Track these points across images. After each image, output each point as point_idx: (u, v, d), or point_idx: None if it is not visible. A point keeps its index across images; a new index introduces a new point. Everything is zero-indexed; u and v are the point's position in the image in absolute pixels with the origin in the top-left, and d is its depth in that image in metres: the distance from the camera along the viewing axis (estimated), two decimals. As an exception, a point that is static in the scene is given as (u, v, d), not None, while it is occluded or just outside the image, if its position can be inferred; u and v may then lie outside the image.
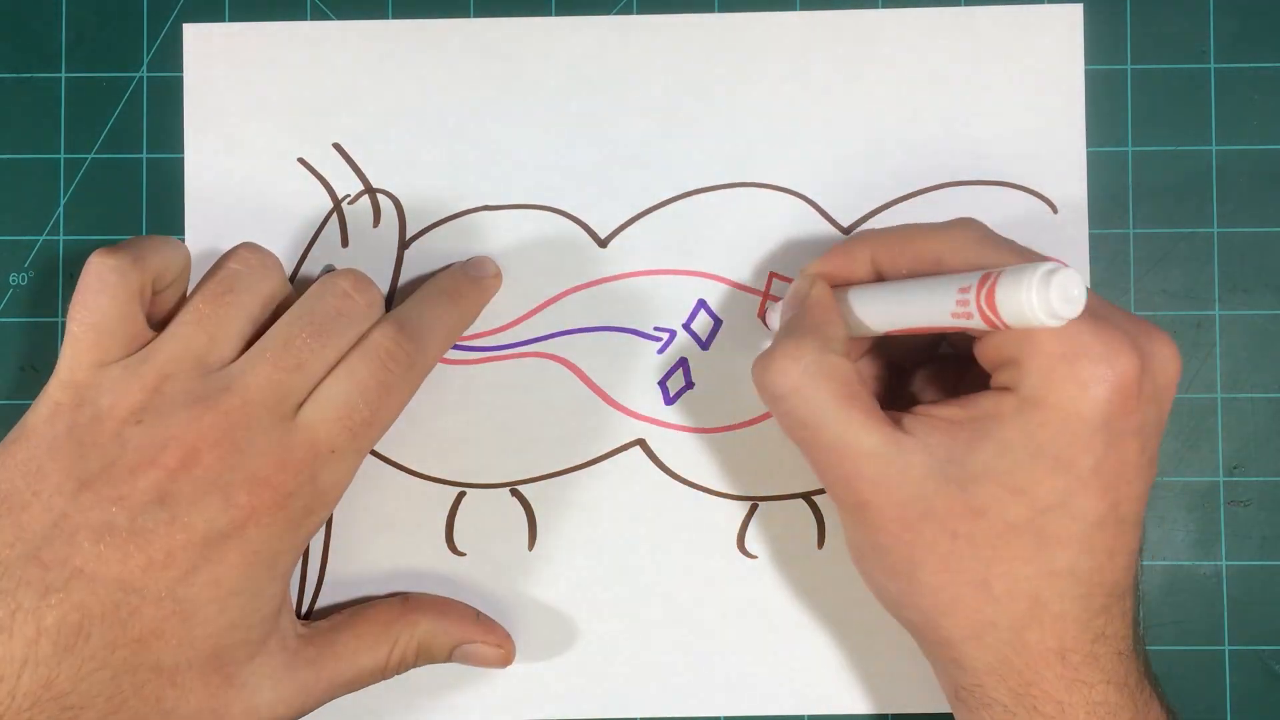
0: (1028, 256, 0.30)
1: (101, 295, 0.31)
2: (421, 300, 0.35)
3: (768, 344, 0.33)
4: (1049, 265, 0.26)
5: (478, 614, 0.37)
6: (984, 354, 0.30)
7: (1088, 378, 0.27)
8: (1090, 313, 0.27)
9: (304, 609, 0.38)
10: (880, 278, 0.33)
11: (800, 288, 0.33)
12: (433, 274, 0.38)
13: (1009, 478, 0.28)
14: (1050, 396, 0.27)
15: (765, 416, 0.38)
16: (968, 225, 0.31)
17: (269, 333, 0.32)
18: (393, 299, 0.38)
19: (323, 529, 0.38)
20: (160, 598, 0.29)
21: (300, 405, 0.31)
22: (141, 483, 0.29)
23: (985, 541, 0.28)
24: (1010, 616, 0.29)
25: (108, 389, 0.30)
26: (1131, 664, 0.30)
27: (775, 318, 0.35)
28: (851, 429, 0.29)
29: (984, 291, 0.27)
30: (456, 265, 0.38)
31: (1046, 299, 0.25)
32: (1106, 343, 0.27)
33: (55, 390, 0.31)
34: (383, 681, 0.35)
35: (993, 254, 0.29)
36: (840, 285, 0.33)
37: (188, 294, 0.34)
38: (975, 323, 0.27)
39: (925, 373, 0.35)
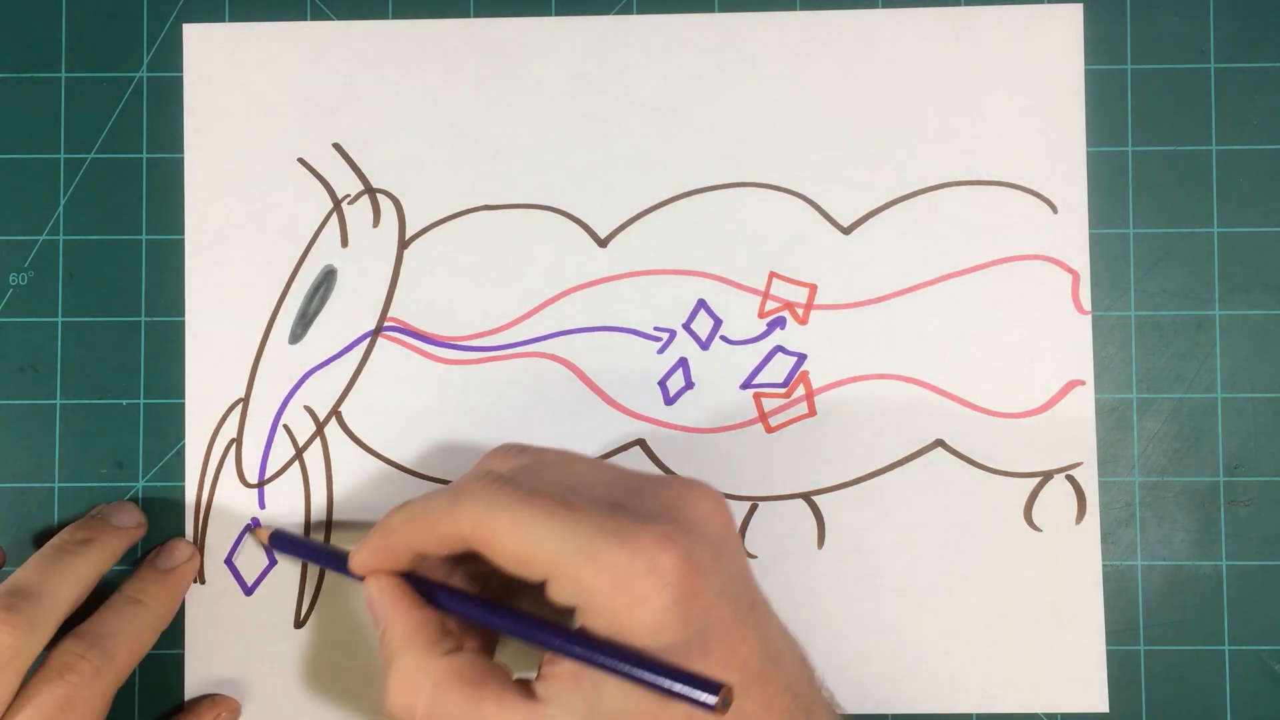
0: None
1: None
2: (105, 610, 0.35)
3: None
4: None
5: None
6: (556, 599, 0.29)
7: (645, 594, 0.27)
8: (610, 523, 0.27)
9: (304, 610, 0.38)
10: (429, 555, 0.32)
11: (368, 594, 0.32)
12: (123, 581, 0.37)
13: (640, 709, 0.28)
14: (626, 625, 0.27)
15: (765, 416, 0.38)
16: (462, 496, 0.30)
17: None
18: (391, 299, 0.38)
19: (323, 529, 0.38)
20: None
21: None
22: None
23: None
24: None
25: None
26: None
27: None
28: None
29: None
30: (144, 562, 0.37)
31: None
32: (638, 551, 0.27)
33: None
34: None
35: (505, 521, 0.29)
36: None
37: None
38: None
39: None
